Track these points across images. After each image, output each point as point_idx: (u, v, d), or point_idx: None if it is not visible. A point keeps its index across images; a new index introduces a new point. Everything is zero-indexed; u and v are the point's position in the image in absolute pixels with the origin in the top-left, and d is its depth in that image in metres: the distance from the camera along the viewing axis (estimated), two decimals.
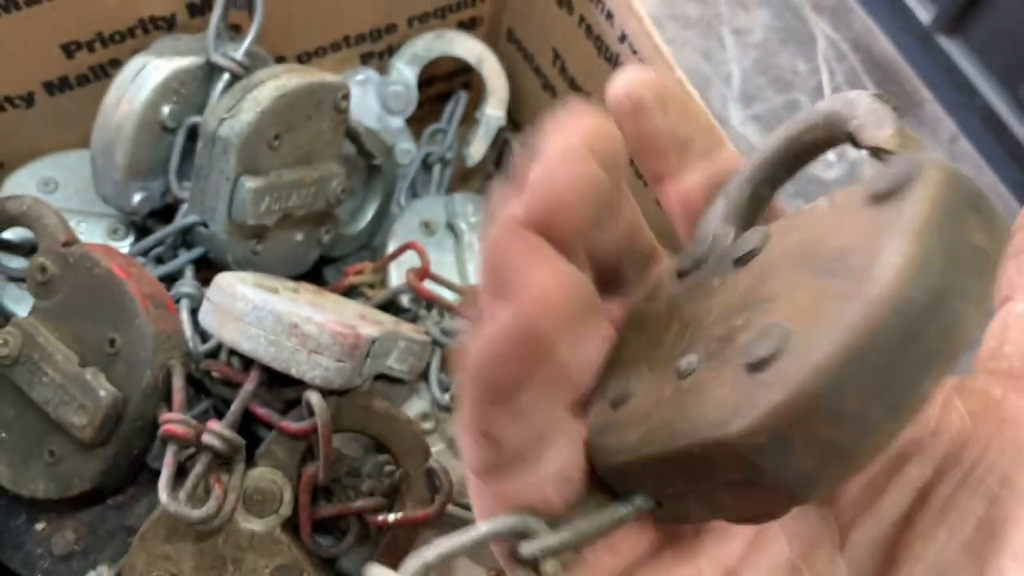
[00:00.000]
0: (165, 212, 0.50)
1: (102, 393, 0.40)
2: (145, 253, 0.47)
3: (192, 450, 0.41)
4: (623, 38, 0.48)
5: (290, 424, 0.41)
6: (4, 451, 0.43)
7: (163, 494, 0.39)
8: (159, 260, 0.48)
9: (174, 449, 0.40)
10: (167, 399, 0.41)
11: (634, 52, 0.47)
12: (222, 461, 0.41)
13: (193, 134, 0.48)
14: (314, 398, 0.40)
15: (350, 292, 0.52)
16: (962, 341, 0.14)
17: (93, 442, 0.41)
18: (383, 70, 0.59)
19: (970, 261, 0.14)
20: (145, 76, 0.46)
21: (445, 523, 0.44)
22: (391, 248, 0.54)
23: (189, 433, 0.39)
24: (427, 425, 0.49)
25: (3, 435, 0.43)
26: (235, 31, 0.50)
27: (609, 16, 0.48)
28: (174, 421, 0.39)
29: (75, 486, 0.42)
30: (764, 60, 0.82)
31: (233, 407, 0.41)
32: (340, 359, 0.40)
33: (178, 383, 0.41)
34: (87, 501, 0.44)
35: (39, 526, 0.44)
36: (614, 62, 0.49)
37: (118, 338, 0.41)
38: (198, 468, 0.40)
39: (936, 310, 0.14)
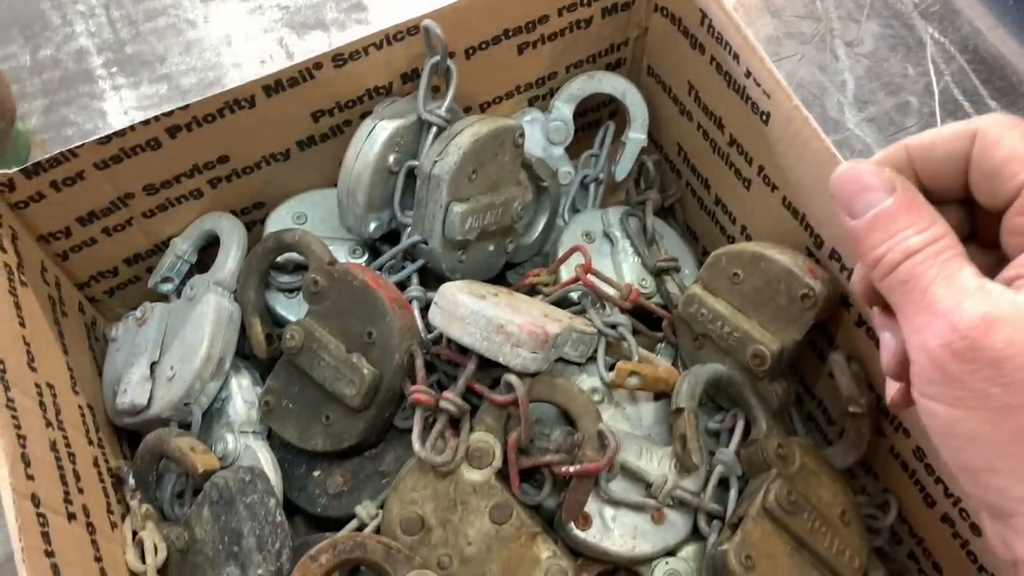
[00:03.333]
0: (387, 235, 0.65)
1: (366, 371, 0.54)
2: (380, 267, 0.62)
3: (430, 413, 0.54)
4: (748, 74, 0.59)
5: (497, 396, 0.54)
6: (292, 417, 0.58)
7: (416, 445, 0.52)
8: (391, 270, 0.62)
9: (420, 412, 0.53)
10: (410, 375, 0.55)
11: (758, 85, 0.58)
12: (454, 421, 0.54)
13: (410, 174, 0.62)
14: (514, 380, 0.53)
15: (531, 291, 0.65)
16: None
17: (360, 407, 0.55)
18: (545, 108, 0.72)
19: None
20: (375, 135, 0.60)
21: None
22: (560, 254, 0.67)
23: (431, 400, 0.53)
24: (596, 397, 0.60)
25: (291, 405, 0.58)
26: (435, 91, 0.64)
27: (736, 57, 0.59)
28: (420, 391, 0.53)
29: (345, 440, 0.57)
30: (875, 67, 0.91)
31: (460, 381, 0.55)
32: (534, 351, 0.53)
33: (419, 363, 0.55)
34: (351, 453, 0.58)
35: (316, 472, 0.59)
36: (742, 94, 0.60)
37: (374, 331, 0.55)
38: (438, 425, 0.53)
39: None
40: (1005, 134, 0.35)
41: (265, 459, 0.57)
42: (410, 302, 0.60)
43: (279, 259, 0.62)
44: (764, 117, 0.59)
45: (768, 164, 0.61)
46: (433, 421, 0.54)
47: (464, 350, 0.55)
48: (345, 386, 0.55)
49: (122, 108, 0.83)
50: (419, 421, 0.53)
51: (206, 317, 0.58)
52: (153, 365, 0.59)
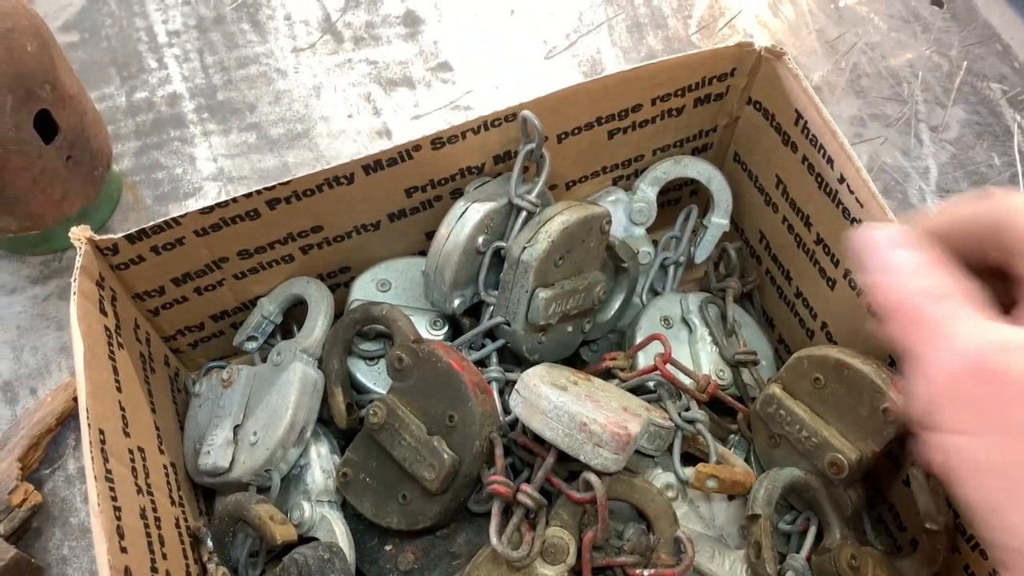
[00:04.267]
0: (469, 310, 0.66)
1: (446, 456, 0.55)
2: (460, 346, 0.63)
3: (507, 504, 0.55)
4: (841, 180, 0.59)
5: (575, 494, 0.54)
6: (368, 492, 0.59)
7: (493, 539, 0.52)
8: (470, 347, 0.63)
9: (498, 503, 0.54)
10: (489, 461, 0.56)
11: (851, 193, 0.58)
12: (530, 513, 0.55)
13: (496, 253, 0.63)
14: (594, 479, 0.53)
15: (607, 374, 0.65)
16: None
17: (437, 491, 0.56)
18: (629, 188, 0.73)
19: None
20: (467, 217, 0.61)
21: None
22: (638, 338, 0.67)
23: (510, 492, 0.54)
24: (671, 494, 0.60)
25: (368, 480, 0.59)
26: (525, 170, 0.65)
27: (830, 161, 0.59)
28: (500, 483, 0.54)
29: (420, 522, 0.57)
30: (960, 154, 0.90)
31: (539, 475, 0.55)
32: (616, 452, 0.53)
33: (499, 451, 0.55)
34: (423, 533, 0.59)
35: (387, 547, 0.60)
36: (833, 197, 0.60)
37: (455, 415, 0.56)
38: (515, 519, 0.54)
39: None
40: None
41: (340, 532, 0.58)
42: (490, 383, 0.60)
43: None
44: (855, 223, 0.59)
45: (856, 270, 0.61)
46: (510, 512, 0.54)
47: (542, 440, 0.56)
48: (424, 469, 0.56)
49: (211, 154, 0.85)
50: (497, 514, 0.53)
51: (292, 386, 0.59)
52: (236, 428, 0.61)
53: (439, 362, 0.57)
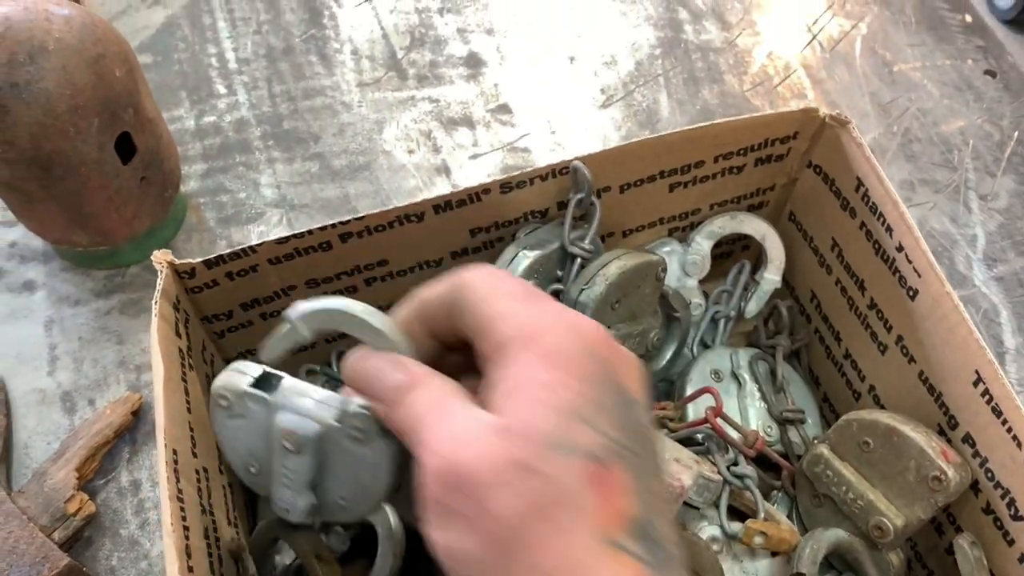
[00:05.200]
0: None
1: None
2: None
3: None
4: (900, 248, 0.60)
5: None
6: None
7: None
8: None
9: None
10: None
11: (909, 262, 0.59)
12: None
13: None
14: None
15: (657, 423, 0.66)
16: None
17: None
18: (684, 239, 0.74)
19: None
20: (518, 262, 0.63)
21: None
22: (688, 390, 0.68)
23: None
24: (715, 547, 0.61)
25: None
26: (581, 219, 0.66)
27: (889, 230, 0.61)
28: None
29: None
30: (1008, 224, 0.91)
31: None
32: (669, 503, 0.54)
33: None
34: None
35: None
36: (890, 265, 0.61)
37: None
38: None
39: None
40: (488, 287, 0.37)
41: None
42: None
43: None
44: (911, 293, 0.60)
45: (909, 337, 0.62)
46: None
47: None
48: None
49: (275, 181, 0.88)
50: None
51: (381, 468, 0.59)
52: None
53: None
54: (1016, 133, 0.97)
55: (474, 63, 0.98)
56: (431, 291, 0.40)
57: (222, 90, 0.94)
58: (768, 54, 1.03)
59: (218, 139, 0.91)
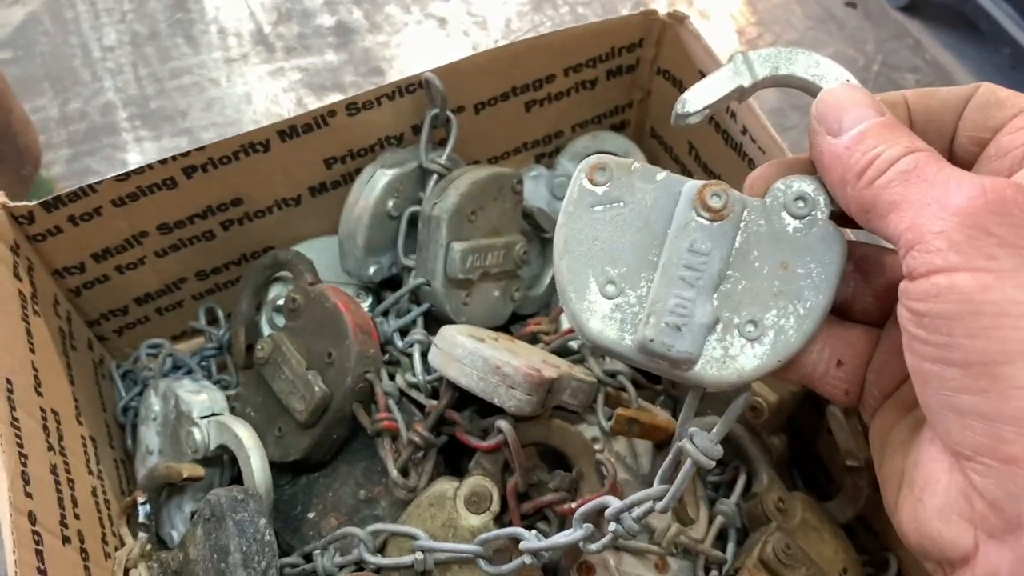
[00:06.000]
0: (390, 281, 0.66)
1: (317, 389, 0.56)
2: (385, 311, 0.63)
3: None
4: (744, 131, 0.61)
5: (482, 443, 0.54)
6: (251, 423, 0.59)
7: (392, 472, 0.54)
8: (396, 314, 0.63)
9: (388, 439, 0.55)
10: (367, 403, 0.57)
11: (753, 141, 0.60)
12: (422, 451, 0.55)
13: (412, 221, 0.64)
14: (503, 424, 0.53)
15: (532, 339, 0.66)
16: None
17: (307, 424, 0.56)
18: (551, 166, 0.74)
19: None
20: (375, 180, 0.63)
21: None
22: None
23: (394, 426, 0.55)
24: (596, 447, 0.61)
25: (252, 413, 0.60)
26: (442, 144, 0.66)
27: (733, 115, 0.62)
28: (385, 418, 0.56)
29: (291, 454, 0.58)
30: None
31: (432, 416, 0.55)
32: (529, 393, 0.53)
33: (379, 391, 0.56)
34: (301, 468, 0.59)
35: (310, 515, 0.59)
36: (738, 150, 0.62)
37: (334, 352, 0.57)
38: (403, 455, 0.55)
39: None
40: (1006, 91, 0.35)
41: (243, 431, 0.57)
42: (411, 346, 0.60)
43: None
44: None
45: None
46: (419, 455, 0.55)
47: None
48: (296, 401, 0.56)
49: (143, 159, 0.86)
50: (389, 449, 0.55)
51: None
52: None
53: (326, 302, 0.58)
54: (880, 56, 1.00)
55: (343, 32, 0.98)
56: (942, 91, 0.36)
57: (86, 77, 0.93)
58: (635, 3, 1.05)
59: (83, 124, 0.89)
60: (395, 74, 0.93)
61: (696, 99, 0.36)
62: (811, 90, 0.35)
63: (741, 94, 0.36)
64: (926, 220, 0.30)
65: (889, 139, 0.33)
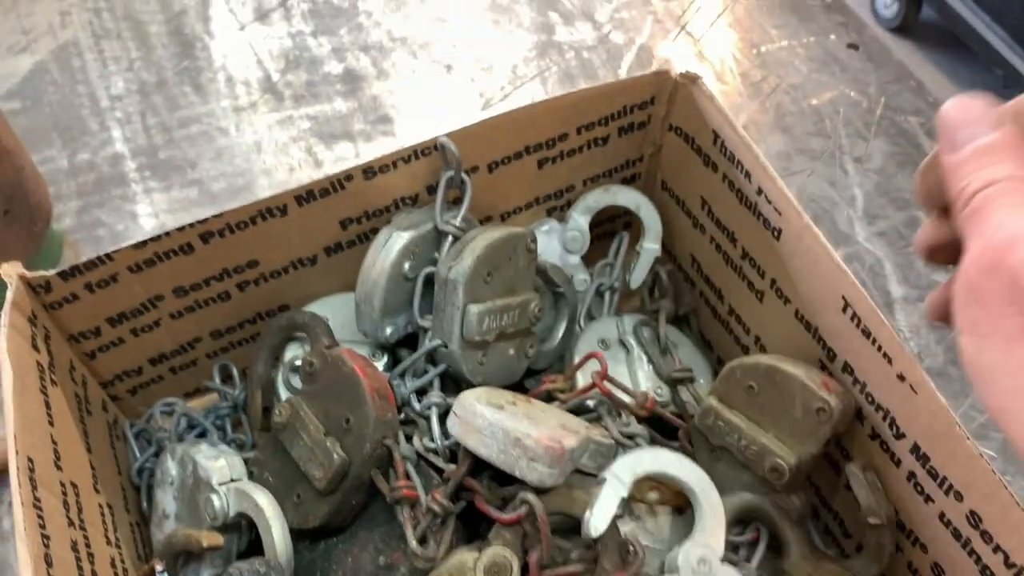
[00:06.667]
0: (407, 340, 0.66)
1: (336, 456, 0.55)
2: (402, 372, 0.63)
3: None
4: (760, 191, 0.61)
5: (503, 516, 0.54)
6: (269, 489, 0.59)
7: (412, 542, 0.54)
8: (413, 375, 0.63)
9: (407, 507, 0.55)
10: (385, 468, 0.56)
11: (769, 202, 0.60)
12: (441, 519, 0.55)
13: (428, 282, 0.64)
14: (529, 496, 0.53)
15: (547, 397, 0.66)
16: None
17: (326, 490, 0.56)
18: (562, 219, 0.74)
19: None
20: (392, 243, 0.63)
21: None
22: (576, 361, 0.68)
23: (414, 495, 0.55)
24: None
25: (270, 478, 0.59)
26: (455, 202, 0.66)
27: (747, 176, 0.62)
28: (404, 486, 0.55)
29: (310, 521, 0.58)
30: (884, 183, 0.94)
31: (451, 484, 0.55)
32: (551, 466, 0.53)
33: (397, 456, 0.56)
34: (319, 533, 0.59)
35: None
36: (753, 210, 0.63)
37: (352, 418, 0.56)
38: (423, 523, 0.54)
39: None
40: None
41: (262, 498, 0.57)
42: (428, 408, 0.60)
43: None
44: (775, 233, 0.61)
45: (780, 278, 0.63)
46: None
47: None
48: (315, 468, 0.56)
49: (153, 211, 0.86)
50: (407, 517, 0.55)
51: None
52: None
53: (343, 367, 0.58)
54: (883, 98, 1.01)
55: (351, 79, 0.98)
56: None
57: (94, 127, 0.93)
58: (639, 48, 1.05)
59: (92, 175, 0.89)
60: (403, 121, 0.94)
61: (599, 522, 0.51)
62: None
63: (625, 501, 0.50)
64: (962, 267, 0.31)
65: (985, 164, 0.32)
